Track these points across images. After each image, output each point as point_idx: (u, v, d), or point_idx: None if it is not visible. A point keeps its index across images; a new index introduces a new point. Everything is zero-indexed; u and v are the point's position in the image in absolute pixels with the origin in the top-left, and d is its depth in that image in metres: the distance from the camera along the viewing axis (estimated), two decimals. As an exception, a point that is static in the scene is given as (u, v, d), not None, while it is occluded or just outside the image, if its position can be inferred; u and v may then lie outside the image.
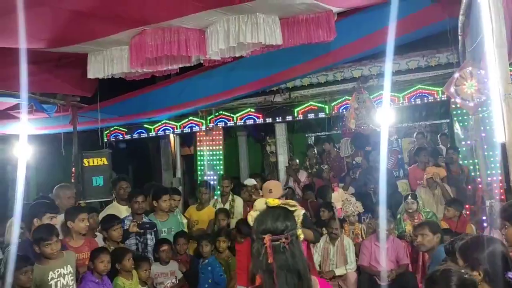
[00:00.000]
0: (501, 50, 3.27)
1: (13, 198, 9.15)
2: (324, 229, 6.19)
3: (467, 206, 6.41)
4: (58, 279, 3.81)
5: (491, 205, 5.26)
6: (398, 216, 6.42)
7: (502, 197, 5.17)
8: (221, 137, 9.25)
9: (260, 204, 2.44)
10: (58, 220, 4.28)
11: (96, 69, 5.39)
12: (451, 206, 6.12)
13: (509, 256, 2.38)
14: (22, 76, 4.52)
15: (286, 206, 2.38)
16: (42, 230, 3.93)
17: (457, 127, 7.49)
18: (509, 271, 2.27)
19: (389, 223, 5.87)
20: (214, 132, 9.14)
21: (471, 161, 6.87)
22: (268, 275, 2.22)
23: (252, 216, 2.42)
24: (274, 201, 2.40)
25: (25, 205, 4.44)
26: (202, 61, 5.40)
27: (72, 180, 7.50)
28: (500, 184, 4.52)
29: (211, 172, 8.97)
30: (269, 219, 2.30)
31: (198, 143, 9.31)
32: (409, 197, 6.27)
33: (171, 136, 10.14)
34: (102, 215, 5.23)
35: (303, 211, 2.51)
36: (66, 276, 3.87)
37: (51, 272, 3.79)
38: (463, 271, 2.13)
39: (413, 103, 8.14)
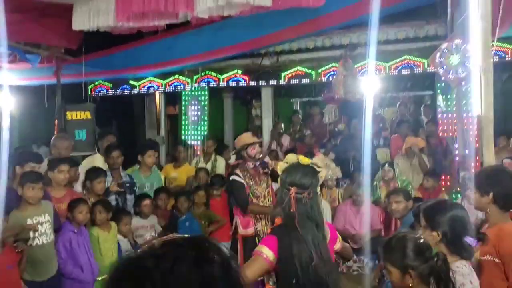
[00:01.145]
0: (485, 24, 3.32)
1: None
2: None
3: (442, 177, 6.59)
4: (37, 226, 3.88)
5: (465, 176, 5.42)
6: (375, 183, 6.59)
7: (477, 169, 5.32)
8: (206, 98, 9.24)
9: (291, 158, 2.82)
10: (40, 170, 4.32)
11: (81, 21, 5.30)
12: (431, 177, 6.28)
13: (469, 222, 2.50)
14: (1, 24, 4.44)
15: (314, 166, 2.76)
16: (30, 174, 4.01)
17: (439, 99, 7.59)
18: (468, 236, 2.39)
19: (360, 189, 6.02)
20: (199, 92, 9.12)
21: (450, 134, 7.00)
22: (290, 221, 2.62)
23: (281, 167, 2.80)
24: (305, 159, 2.81)
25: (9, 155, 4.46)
26: (189, 19, 5.35)
27: (55, 133, 7.46)
28: (477, 158, 4.65)
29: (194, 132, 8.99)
30: (298, 174, 2.68)
31: (183, 103, 9.30)
32: (386, 165, 6.42)
33: (157, 94, 10.08)
34: (83, 165, 5.28)
35: (325, 172, 2.91)
36: (44, 224, 3.95)
37: (29, 219, 3.86)
38: (417, 236, 2.25)
39: (398, 73, 8.19)
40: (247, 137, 4.83)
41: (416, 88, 9.74)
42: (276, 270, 2.72)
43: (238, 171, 4.70)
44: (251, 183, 4.73)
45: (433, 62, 6.09)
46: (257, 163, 4.83)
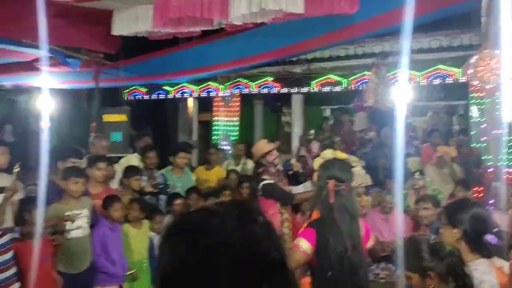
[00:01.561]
0: (517, 31, 3.32)
1: (35, 148, 9.46)
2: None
3: (474, 188, 6.49)
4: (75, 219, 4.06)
5: (497, 187, 5.35)
6: (405, 192, 6.54)
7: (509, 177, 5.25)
8: (238, 105, 9.39)
9: (327, 154, 2.98)
10: (81, 165, 4.52)
11: (121, 27, 5.52)
12: (462, 186, 6.20)
13: (491, 220, 2.51)
14: (43, 28, 4.68)
15: (349, 162, 2.90)
16: (74, 168, 4.24)
17: (473, 109, 7.50)
18: (489, 234, 2.40)
19: (390, 197, 5.99)
20: (231, 100, 9.27)
21: (484, 144, 6.91)
22: (328, 212, 2.75)
23: (317, 162, 2.95)
24: (341, 154, 2.99)
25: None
26: (223, 26, 5.49)
27: (92, 134, 7.72)
28: (510, 170, 4.60)
29: (226, 141, 9.14)
30: (336, 168, 2.82)
31: (215, 110, 9.47)
32: (417, 174, 6.38)
33: (189, 100, 10.30)
34: (120, 164, 5.49)
35: (359, 168, 3.09)
36: (82, 218, 4.12)
37: (68, 212, 4.05)
38: (427, 237, 2.27)
39: (431, 82, 8.14)
40: (264, 146, 4.95)
41: (449, 97, 9.63)
42: (312, 263, 2.81)
43: (265, 176, 4.79)
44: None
45: (466, 71, 6.05)
46: (276, 167, 4.92)
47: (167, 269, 0.92)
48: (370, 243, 3.00)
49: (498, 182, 5.45)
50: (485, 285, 2.26)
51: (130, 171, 5.07)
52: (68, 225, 4.03)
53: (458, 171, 6.88)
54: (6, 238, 3.61)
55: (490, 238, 2.38)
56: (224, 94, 9.31)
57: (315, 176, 2.96)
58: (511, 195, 4.59)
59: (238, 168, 6.91)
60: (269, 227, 0.95)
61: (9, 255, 3.56)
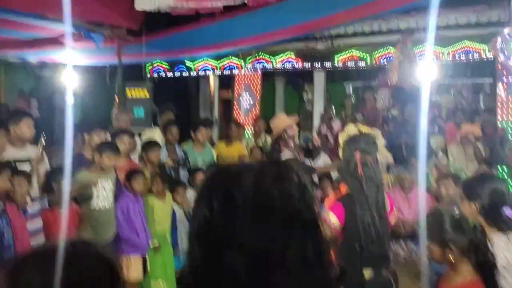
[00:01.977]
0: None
1: (59, 124, 9.66)
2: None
3: (498, 167, 6.40)
4: (101, 190, 4.18)
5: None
6: (427, 171, 6.48)
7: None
8: (259, 81, 9.35)
9: (351, 129, 3.09)
10: (106, 138, 4.63)
11: (143, 2, 5.53)
12: (486, 165, 6.12)
13: (509, 195, 2.48)
14: (67, 2, 4.72)
15: (373, 135, 3.05)
16: (110, 144, 4.40)
17: (499, 87, 7.32)
18: (507, 208, 2.37)
19: (409, 174, 5.93)
20: (252, 75, 9.24)
21: (509, 122, 6.79)
22: (357, 183, 2.89)
23: (343, 137, 3.07)
24: (365, 129, 3.11)
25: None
26: (246, 1, 5.45)
27: (115, 110, 7.82)
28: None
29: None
30: (361, 141, 2.96)
31: (236, 86, 9.47)
32: (440, 152, 6.31)
33: (211, 78, 10.30)
34: (144, 139, 5.59)
35: (383, 141, 3.20)
36: (107, 189, 4.23)
37: (95, 181, 4.17)
38: (451, 211, 2.25)
39: (457, 59, 7.94)
40: (284, 120, 5.01)
41: (475, 75, 9.39)
42: (339, 237, 2.95)
43: (284, 149, 4.87)
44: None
45: (494, 48, 5.90)
46: (294, 141, 4.98)
47: (202, 220, 0.95)
48: (392, 219, 3.10)
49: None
50: (499, 261, 2.25)
51: (148, 145, 5.16)
52: (94, 193, 4.15)
53: (482, 150, 6.76)
54: (36, 206, 3.74)
55: (508, 212, 2.36)
56: (245, 72, 9.26)
57: (340, 151, 3.07)
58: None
59: (259, 144, 6.93)
60: (304, 189, 0.97)
61: (38, 223, 3.69)
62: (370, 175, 2.91)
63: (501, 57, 5.32)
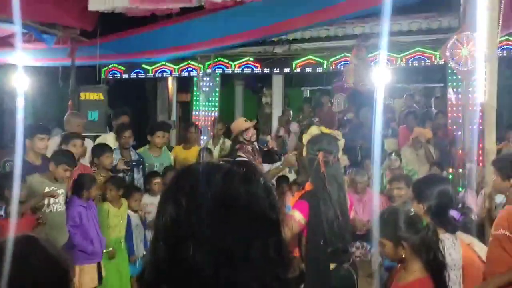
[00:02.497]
0: (491, 13, 3.36)
1: (10, 127, 9.30)
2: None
3: (450, 170, 6.62)
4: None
5: (471, 168, 5.46)
6: (381, 172, 6.64)
7: (480, 158, 5.37)
8: (217, 84, 9.32)
9: (314, 130, 3.26)
10: (49, 142, 4.47)
11: (98, 2, 5.40)
12: (437, 168, 6.31)
13: (455, 197, 2.59)
14: (17, 2, 4.56)
15: (335, 135, 3.21)
16: (66, 155, 4.25)
17: (450, 92, 7.61)
18: (453, 210, 2.47)
19: (363, 176, 6.05)
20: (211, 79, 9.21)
21: (459, 126, 7.03)
22: (320, 181, 3.02)
23: (306, 138, 3.21)
24: (326, 130, 3.27)
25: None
26: (203, 3, 5.42)
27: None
28: (480, 146, 4.70)
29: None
30: (324, 141, 3.11)
31: (194, 88, 9.39)
32: (393, 155, 6.47)
33: (169, 80, 10.19)
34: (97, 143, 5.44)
35: (343, 141, 3.32)
36: (60, 195, 4.10)
37: (47, 188, 4.03)
38: (408, 209, 2.33)
39: (410, 65, 8.20)
40: (242, 123, 5.07)
41: (427, 80, 9.75)
42: (304, 233, 3.08)
43: (241, 153, 4.87)
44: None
45: (444, 54, 6.10)
46: (254, 145, 5.01)
47: (168, 217, 0.95)
48: (352, 214, 3.32)
49: (472, 164, 5.57)
50: (445, 260, 2.32)
51: (99, 149, 5.03)
52: (47, 199, 4.02)
53: (433, 152, 6.99)
54: None
55: (454, 213, 2.45)
56: (203, 74, 9.21)
57: (303, 151, 3.21)
58: (483, 177, 4.70)
59: (217, 148, 6.90)
60: (269, 190, 1.00)
61: None
62: (332, 173, 3.04)
63: (451, 63, 5.50)
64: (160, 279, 0.94)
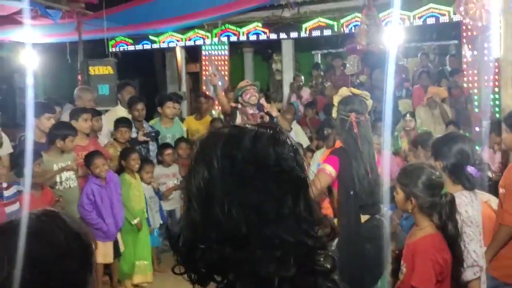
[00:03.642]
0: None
1: (21, 105, 9.35)
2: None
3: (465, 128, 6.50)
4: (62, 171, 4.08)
5: (487, 125, 5.35)
6: (396, 134, 6.55)
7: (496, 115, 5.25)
8: (226, 53, 9.20)
9: (344, 91, 3.37)
10: (62, 117, 4.47)
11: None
12: (453, 127, 6.20)
13: (474, 154, 2.55)
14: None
15: (364, 96, 3.31)
16: (66, 125, 4.27)
17: (465, 49, 7.38)
18: (470, 166, 2.44)
19: (378, 138, 5.98)
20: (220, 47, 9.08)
21: (475, 84, 6.87)
22: (352, 139, 3.20)
23: (337, 98, 3.33)
24: (356, 91, 3.40)
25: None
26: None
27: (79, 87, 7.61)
28: (497, 102, 4.58)
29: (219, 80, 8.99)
30: (355, 103, 3.24)
31: (203, 58, 9.29)
32: (407, 115, 6.36)
33: (177, 50, 10.08)
34: (105, 117, 5.42)
35: (371, 101, 3.45)
36: (70, 171, 4.13)
37: (54, 165, 4.05)
38: (435, 171, 2.30)
39: (423, 22, 7.95)
40: (241, 83, 5.08)
41: (441, 38, 9.46)
42: (334, 186, 3.27)
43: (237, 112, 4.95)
44: None
45: (457, 9, 5.90)
46: (255, 109, 4.96)
47: (201, 179, 0.99)
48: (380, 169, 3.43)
49: (488, 121, 5.46)
50: (460, 216, 2.32)
51: (120, 122, 5.02)
52: (58, 177, 4.05)
53: (448, 111, 6.86)
54: (12, 190, 3.66)
55: (471, 170, 2.42)
56: (211, 43, 9.08)
57: (334, 111, 3.35)
58: (497, 134, 4.62)
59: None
60: (296, 151, 1.03)
61: (16, 206, 3.62)
62: (363, 132, 3.19)
63: (465, 18, 5.32)
64: (197, 239, 0.97)
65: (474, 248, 2.36)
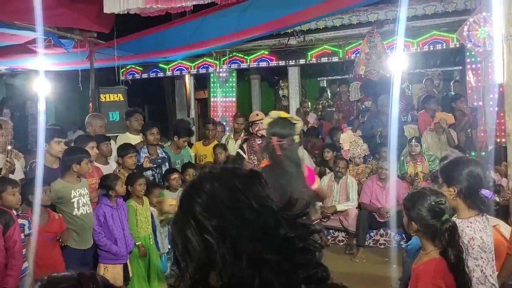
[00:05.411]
0: (507, -8, 3.31)
1: (32, 132, 9.51)
2: (327, 168, 6.50)
3: (472, 153, 6.54)
4: (79, 197, 4.14)
5: (492, 150, 5.41)
6: (402, 158, 6.61)
7: (503, 140, 5.30)
8: (234, 80, 9.38)
9: (274, 113, 3.57)
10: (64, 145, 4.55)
11: (112, 4, 5.47)
12: (459, 151, 6.26)
13: (485, 176, 2.55)
14: (36, 9, 4.67)
15: (291, 119, 3.48)
16: (79, 149, 4.35)
17: (469, 74, 7.50)
18: (484, 189, 2.45)
19: (386, 164, 6.06)
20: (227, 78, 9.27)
21: (479, 108, 6.94)
22: (277, 162, 3.37)
23: (266, 121, 3.54)
24: (284, 114, 3.57)
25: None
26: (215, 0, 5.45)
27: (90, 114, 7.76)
28: (503, 127, 4.63)
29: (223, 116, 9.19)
30: (278, 126, 3.42)
31: (211, 85, 9.47)
32: (413, 140, 6.44)
33: (186, 78, 10.28)
34: (116, 142, 5.54)
35: (302, 123, 3.70)
36: (85, 196, 4.20)
37: (73, 191, 4.12)
38: (440, 198, 2.34)
39: (426, 49, 8.09)
40: (251, 116, 5.27)
41: (445, 64, 9.59)
42: None
43: (244, 146, 5.14)
44: (253, 159, 5.46)
45: (461, 36, 6.03)
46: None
47: (200, 208, 1.11)
48: (315, 186, 3.62)
49: (493, 146, 5.52)
50: (475, 242, 2.33)
51: (123, 149, 5.11)
52: (75, 203, 4.12)
53: (454, 137, 6.93)
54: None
55: (485, 192, 2.42)
56: (220, 70, 9.26)
57: (266, 132, 3.57)
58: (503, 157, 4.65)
59: (238, 142, 6.94)
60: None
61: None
62: (286, 154, 3.37)
63: (469, 45, 5.44)
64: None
65: (490, 273, 2.35)
